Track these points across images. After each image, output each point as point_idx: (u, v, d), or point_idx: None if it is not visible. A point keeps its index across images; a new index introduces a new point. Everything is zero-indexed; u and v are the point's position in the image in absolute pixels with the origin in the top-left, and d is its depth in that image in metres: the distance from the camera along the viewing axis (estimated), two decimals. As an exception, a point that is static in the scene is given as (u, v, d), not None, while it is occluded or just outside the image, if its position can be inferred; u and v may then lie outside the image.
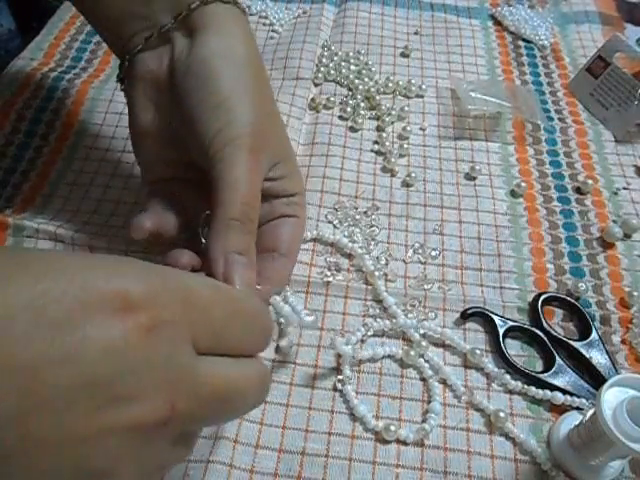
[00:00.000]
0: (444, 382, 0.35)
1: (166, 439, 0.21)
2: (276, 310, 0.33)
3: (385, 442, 0.32)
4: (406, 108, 0.49)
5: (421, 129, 0.49)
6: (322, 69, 0.52)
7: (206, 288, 0.23)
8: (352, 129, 0.48)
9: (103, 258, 0.22)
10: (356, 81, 0.51)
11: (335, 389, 0.34)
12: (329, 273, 0.39)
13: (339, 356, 0.35)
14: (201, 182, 0.33)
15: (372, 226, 0.42)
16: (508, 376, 0.35)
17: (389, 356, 0.36)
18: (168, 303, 0.21)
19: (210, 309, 0.22)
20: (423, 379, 0.35)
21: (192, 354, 0.21)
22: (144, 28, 0.33)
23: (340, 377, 0.35)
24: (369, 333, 0.36)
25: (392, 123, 0.49)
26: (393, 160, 0.45)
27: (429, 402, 0.34)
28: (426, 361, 0.35)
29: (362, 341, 0.36)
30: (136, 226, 0.32)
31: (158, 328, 0.20)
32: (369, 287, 0.39)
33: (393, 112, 0.49)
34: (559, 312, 0.38)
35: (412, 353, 0.35)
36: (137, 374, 0.19)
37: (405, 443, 0.33)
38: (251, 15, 0.59)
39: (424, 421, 0.33)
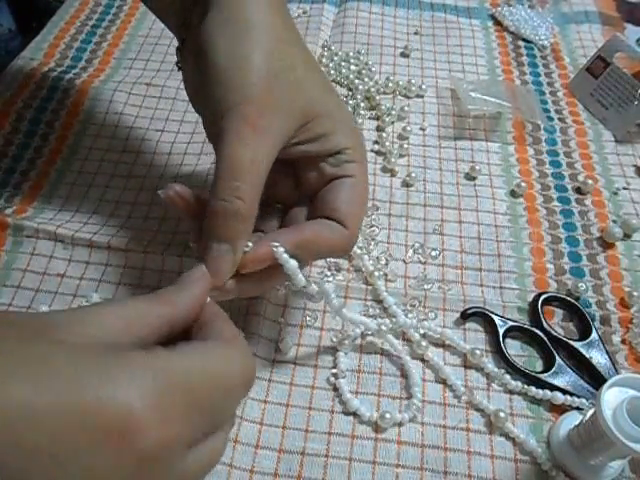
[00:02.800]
0: (444, 382, 0.35)
1: None
2: (281, 262, 0.29)
3: (385, 441, 0.33)
4: (406, 108, 0.49)
5: (421, 129, 0.49)
6: (322, 69, 0.52)
7: (206, 378, 0.22)
8: (352, 129, 0.48)
9: (97, 362, 0.20)
10: (356, 81, 0.51)
11: (335, 389, 0.34)
12: (329, 273, 0.39)
13: (336, 350, 0.36)
14: None
15: (372, 226, 0.42)
16: (508, 376, 0.35)
17: (370, 334, 0.36)
18: (172, 416, 0.20)
19: (207, 401, 0.22)
20: (401, 357, 0.36)
21: (185, 456, 0.21)
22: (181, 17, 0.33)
23: (334, 371, 0.35)
24: (369, 331, 0.36)
25: (392, 123, 0.49)
26: (393, 160, 0.45)
27: (406, 378, 0.35)
28: (404, 339, 0.36)
29: (362, 337, 0.36)
30: (168, 187, 0.30)
31: (159, 450, 0.20)
32: (369, 287, 0.39)
33: (393, 112, 0.49)
34: (559, 312, 0.38)
35: (384, 328, 0.35)
36: None
37: (401, 424, 0.33)
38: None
39: (410, 397, 0.34)
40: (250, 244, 0.29)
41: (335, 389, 0.34)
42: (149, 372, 0.20)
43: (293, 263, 0.29)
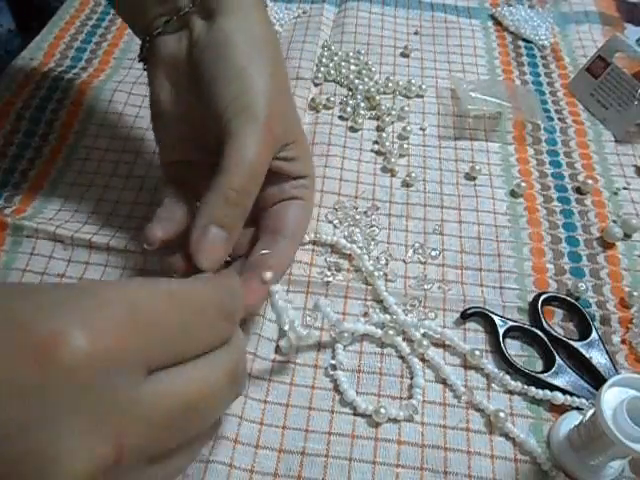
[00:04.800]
0: (444, 382, 0.35)
1: (131, 472, 0.21)
2: (271, 302, 0.32)
3: (385, 441, 0.32)
4: (406, 108, 0.49)
5: (421, 129, 0.49)
6: (322, 69, 0.52)
7: (156, 298, 0.22)
8: (352, 129, 0.48)
9: (40, 296, 0.20)
10: (356, 81, 0.51)
11: (335, 388, 0.34)
12: (329, 273, 0.39)
13: (335, 342, 0.36)
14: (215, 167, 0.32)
15: (372, 226, 0.42)
16: (508, 376, 0.35)
17: (369, 336, 0.36)
18: (107, 336, 0.19)
19: (162, 321, 0.21)
20: (402, 357, 0.36)
21: (136, 381, 0.20)
22: (164, 12, 0.34)
23: (332, 362, 0.35)
24: (369, 323, 0.36)
25: (392, 123, 0.49)
26: (393, 160, 0.45)
27: (411, 378, 0.35)
28: (404, 340, 0.36)
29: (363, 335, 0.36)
30: (149, 236, 0.32)
31: (90, 365, 0.19)
32: (369, 287, 0.39)
33: (393, 112, 0.49)
34: (559, 312, 0.38)
35: (390, 332, 0.36)
36: (64, 422, 0.18)
37: (397, 421, 0.33)
38: (251, 15, 0.59)
39: (410, 397, 0.34)
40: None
41: (335, 389, 0.34)
42: (89, 302, 0.20)
43: (282, 304, 0.32)
